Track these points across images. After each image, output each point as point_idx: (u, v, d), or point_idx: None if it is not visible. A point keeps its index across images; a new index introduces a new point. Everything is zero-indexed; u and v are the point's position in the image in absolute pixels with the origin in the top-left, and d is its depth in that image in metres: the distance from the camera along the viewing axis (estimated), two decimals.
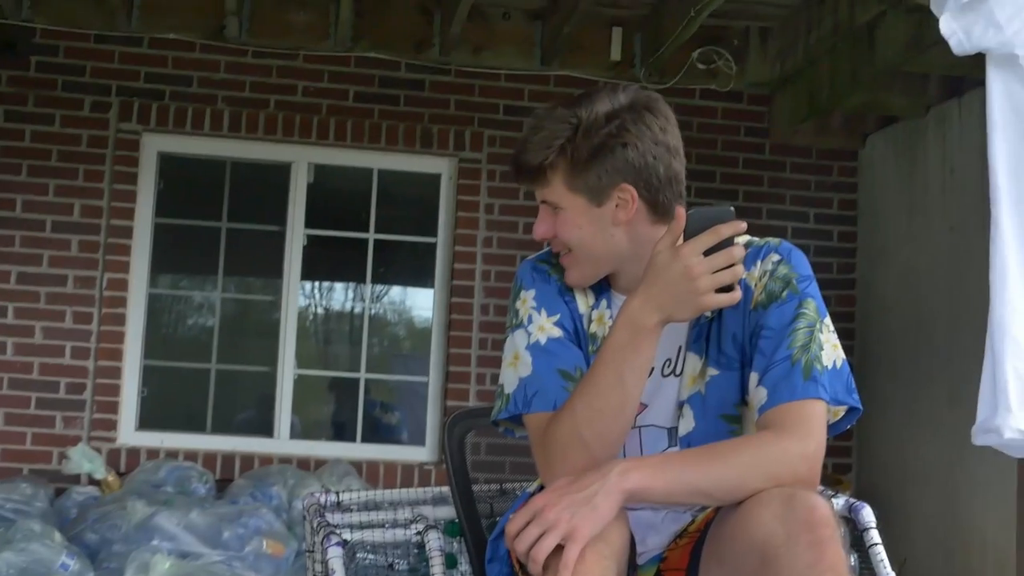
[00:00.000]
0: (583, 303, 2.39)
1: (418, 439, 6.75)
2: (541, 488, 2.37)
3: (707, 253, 2.13)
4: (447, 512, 2.86)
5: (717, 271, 2.14)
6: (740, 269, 2.17)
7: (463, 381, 6.60)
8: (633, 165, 2.27)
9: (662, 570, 2.32)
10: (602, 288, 2.39)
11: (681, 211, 2.16)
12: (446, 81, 6.76)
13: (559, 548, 2.01)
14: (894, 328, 6.61)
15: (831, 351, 2.24)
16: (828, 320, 2.28)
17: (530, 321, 2.35)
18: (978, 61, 5.65)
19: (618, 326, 2.19)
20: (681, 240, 2.16)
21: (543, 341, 2.32)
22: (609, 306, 2.38)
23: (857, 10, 5.70)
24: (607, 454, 2.16)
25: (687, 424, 2.30)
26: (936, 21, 2.71)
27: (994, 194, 2.46)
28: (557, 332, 2.34)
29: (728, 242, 2.14)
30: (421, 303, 7.15)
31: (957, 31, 2.48)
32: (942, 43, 5.16)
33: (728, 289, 2.16)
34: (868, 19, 5.62)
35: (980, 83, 5.93)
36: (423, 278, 6.96)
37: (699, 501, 2.16)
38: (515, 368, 2.34)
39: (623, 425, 2.21)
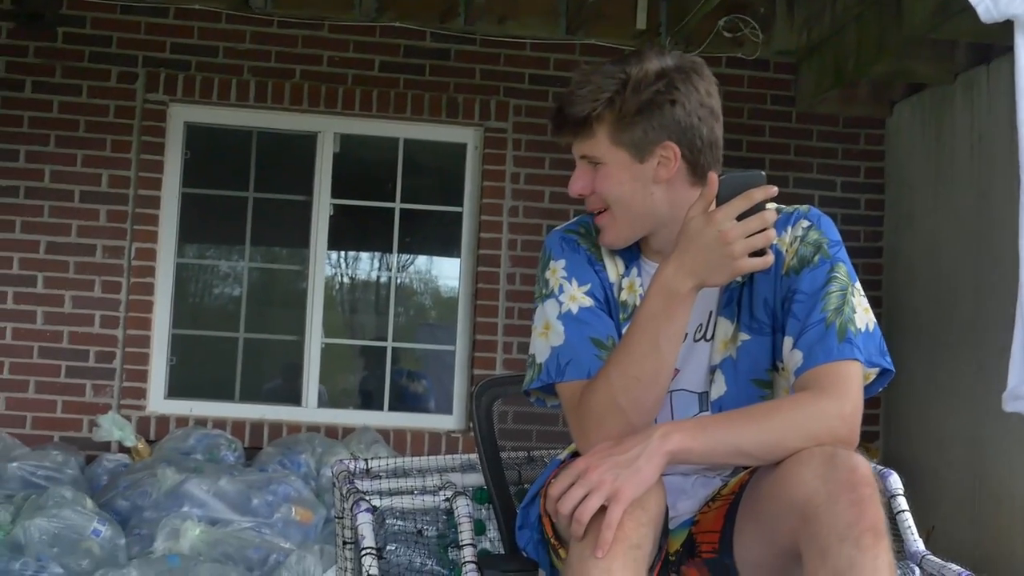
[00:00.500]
0: (613, 272, 2.39)
1: (445, 407, 6.78)
2: (574, 455, 2.40)
3: (740, 218, 2.14)
4: (475, 479, 2.88)
5: (750, 235, 2.15)
6: (773, 233, 2.18)
7: (490, 350, 6.62)
8: (679, 124, 2.28)
9: (694, 533, 2.34)
10: (632, 256, 2.40)
11: (713, 176, 2.16)
12: (471, 51, 6.75)
13: (600, 511, 2.03)
14: (921, 296, 6.60)
15: (863, 314, 2.26)
16: (859, 284, 2.30)
17: (561, 291, 2.36)
18: (1006, 28, 5.62)
19: (652, 293, 2.20)
20: (713, 205, 2.16)
21: (575, 310, 2.34)
22: (640, 274, 2.39)
23: None
24: (643, 421, 2.18)
25: (719, 389, 2.32)
26: None
27: (1023, 160, 2.44)
28: (588, 301, 2.35)
29: (760, 207, 2.15)
30: (447, 272, 7.15)
31: None
32: (969, 10, 5.14)
33: (761, 253, 2.18)
34: None
35: (1009, 49, 5.89)
36: (449, 247, 6.97)
37: (739, 461, 2.18)
38: (546, 338, 2.35)
39: (659, 392, 2.22)
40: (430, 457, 3.06)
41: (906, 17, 5.57)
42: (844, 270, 2.28)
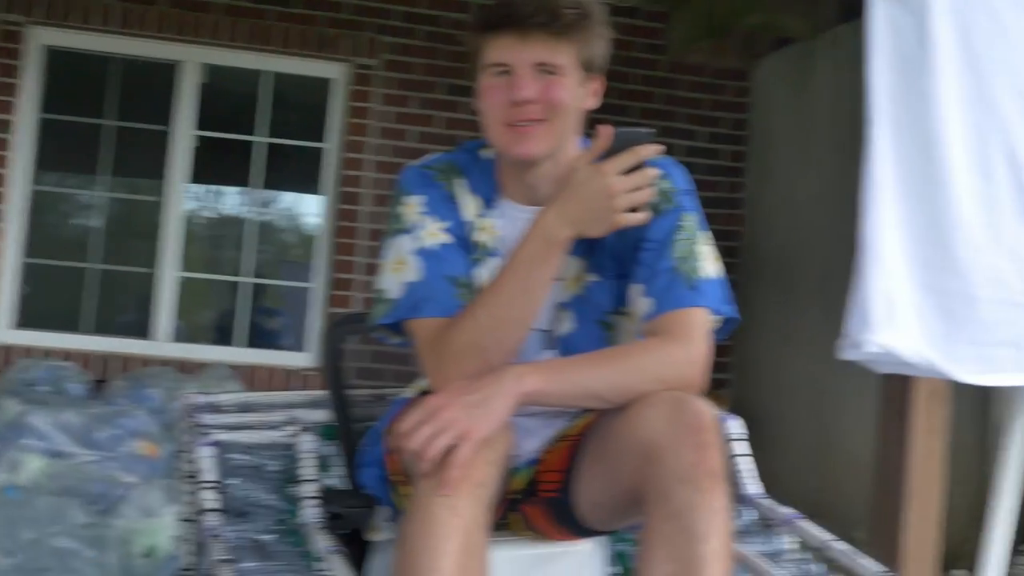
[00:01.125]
0: (470, 211, 2.38)
1: (301, 345, 6.73)
2: (422, 394, 2.39)
3: (625, 174, 2.16)
4: (322, 416, 2.86)
5: (633, 191, 2.17)
6: (653, 191, 2.21)
7: (348, 288, 6.58)
8: (606, 61, 2.33)
9: (539, 471, 2.36)
10: (490, 196, 2.39)
11: (607, 128, 2.18)
12: None
13: (449, 450, 2.03)
14: (777, 248, 6.71)
15: (711, 262, 2.31)
16: (707, 233, 2.34)
17: (419, 226, 2.33)
18: None
19: (530, 237, 2.20)
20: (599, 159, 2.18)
21: (433, 246, 2.32)
22: (499, 215, 2.38)
23: None
24: (502, 362, 2.18)
25: (565, 326, 2.34)
26: None
27: (871, 115, 2.49)
28: (447, 238, 2.33)
29: (644, 164, 2.18)
30: (311, 209, 7.08)
31: None
32: None
33: (636, 210, 2.20)
34: None
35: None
36: (313, 184, 6.90)
37: (591, 404, 2.20)
38: (399, 273, 2.32)
39: (523, 335, 2.23)
40: (278, 392, 3.04)
41: None
42: (693, 218, 2.32)
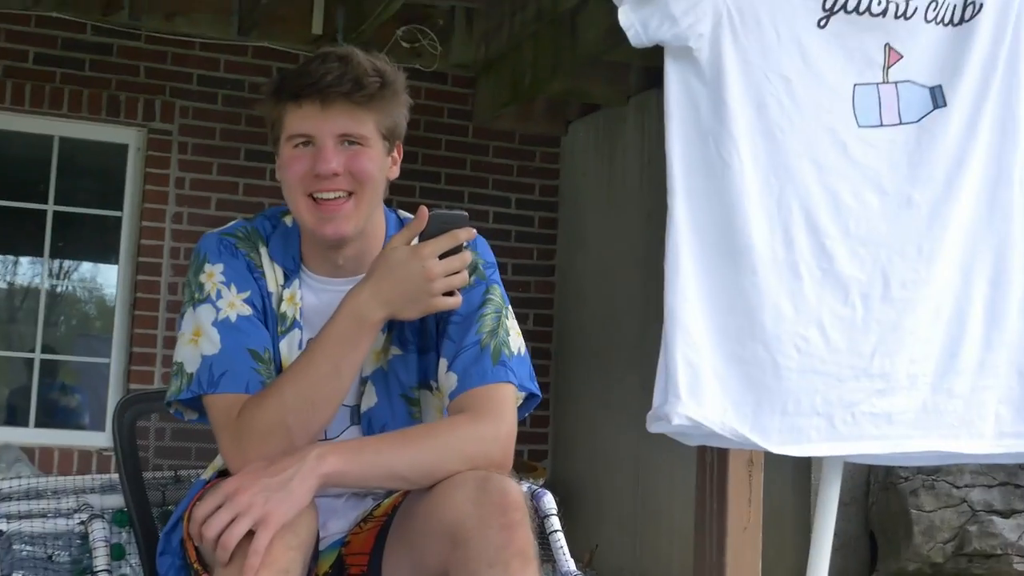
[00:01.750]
0: (272, 281, 2.34)
1: (99, 424, 6.56)
2: (220, 475, 2.34)
3: (442, 257, 2.17)
4: (116, 501, 2.78)
5: (450, 275, 2.18)
6: (467, 276, 2.21)
7: (148, 363, 6.45)
8: (404, 129, 2.33)
9: (344, 555, 2.33)
10: (292, 266, 2.36)
11: (424, 209, 2.18)
12: (136, 47, 6.58)
13: (249, 534, 1.99)
14: (591, 316, 6.80)
15: (516, 337, 2.32)
16: (510, 308, 2.36)
17: (219, 296, 2.28)
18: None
19: (340, 316, 2.19)
20: (416, 240, 2.19)
21: (232, 318, 2.27)
22: (301, 286, 2.35)
23: None
24: (306, 443, 2.15)
25: (369, 400, 2.32)
26: None
27: (671, 184, 2.55)
28: (247, 309, 2.29)
29: (459, 247, 2.19)
30: (109, 280, 6.92)
31: (635, 23, 2.55)
32: None
33: (451, 294, 2.21)
34: (571, 6, 5.75)
35: None
36: (108, 254, 6.75)
37: (395, 485, 2.19)
38: (196, 345, 2.27)
39: (330, 416, 2.21)
40: (66, 477, 2.95)
41: (580, 37, 5.74)
42: (499, 292, 2.33)
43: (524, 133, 7.20)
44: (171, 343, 6.42)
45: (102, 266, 7.08)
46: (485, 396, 2.21)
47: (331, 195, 2.24)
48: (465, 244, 2.21)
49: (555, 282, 7.14)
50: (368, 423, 2.32)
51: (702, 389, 2.47)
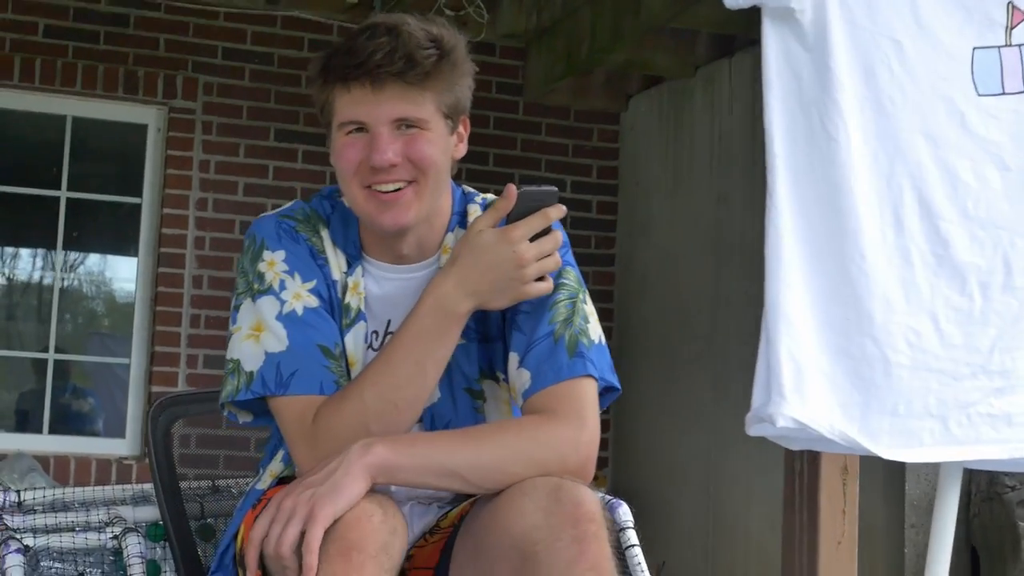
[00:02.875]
0: (336, 268, 2.33)
1: (117, 430, 6.60)
2: (280, 482, 2.34)
3: (532, 239, 2.16)
4: (150, 513, 2.79)
5: (542, 259, 2.17)
6: (559, 259, 2.21)
7: (171, 363, 6.48)
8: (471, 94, 2.30)
9: (407, 569, 2.29)
10: (354, 252, 2.34)
11: (512, 188, 2.16)
12: (155, 17, 6.60)
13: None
14: (655, 308, 6.78)
15: (595, 324, 2.29)
16: (586, 290, 2.33)
17: (283, 287, 2.26)
18: (751, 17, 5.84)
19: (423, 310, 2.18)
20: (502, 222, 2.17)
21: (299, 311, 2.25)
22: (364, 274, 2.33)
23: None
24: None
25: (432, 396, 2.29)
26: None
27: (770, 161, 2.52)
28: (314, 301, 2.27)
29: (549, 228, 2.18)
30: (124, 274, 6.96)
31: None
32: None
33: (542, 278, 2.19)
34: None
35: (752, 42, 6.13)
36: (126, 245, 6.80)
37: (452, 485, 2.15)
38: (257, 341, 2.25)
39: (414, 418, 2.21)
40: (96, 488, 2.95)
41: (644, 2, 5.71)
42: (574, 275, 2.31)
43: (580, 109, 7.19)
44: (197, 343, 6.49)
45: (120, 258, 7.13)
46: (562, 394, 2.19)
47: (390, 187, 2.22)
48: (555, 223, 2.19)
49: (615, 272, 7.13)
50: (431, 420, 2.31)
51: (806, 387, 2.45)
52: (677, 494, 6.39)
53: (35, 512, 2.82)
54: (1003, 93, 2.60)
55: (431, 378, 2.20)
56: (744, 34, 6.17)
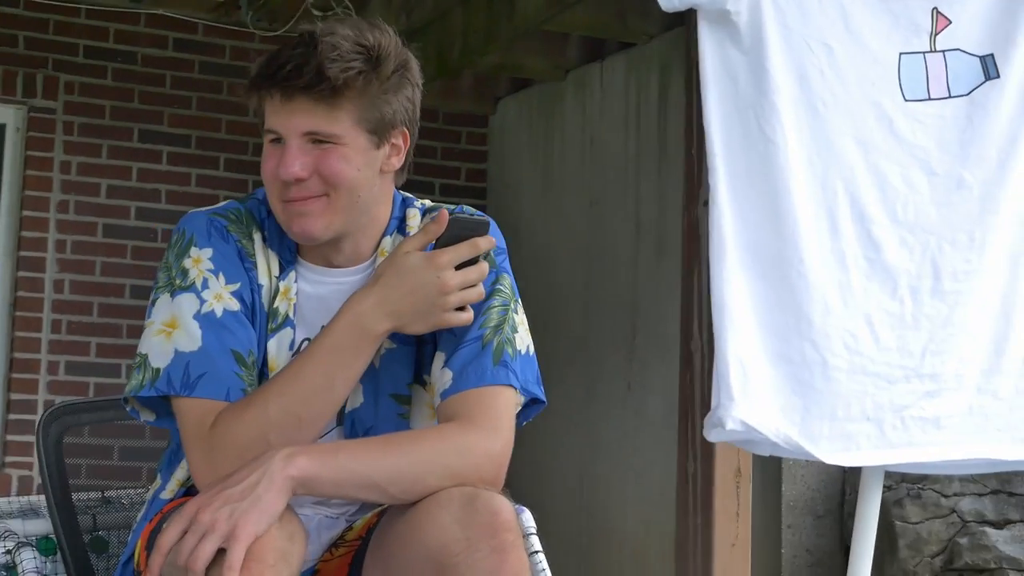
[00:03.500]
0: (265, 272, 2.27)
1: None
2: (188, 491, 2.28)
3: (459, 267, 2.15)
4: (40, 526, 2.72)
5: (465, 288, 2.16)
6: (482, 290, 2.19)
7: (31, 370, 6.34)
8: (413, 106, 2.25)
9: None
10: (288, 256, 2.29)
11: (444, 213, 2.16)
12: (13, 14, 6.42)
13: (220, 555, 1.93)
14: (527, 310, 6.74)
15: (524, 334, 2.30)
16: (519, 299, 2.33)
17: (205, 286, 2.21)
18: (625, 21, 5.88)
19: (339, 324, 2.15)
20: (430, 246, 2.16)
21: (219, 313, 2.20)
22: (297, 279, 2.28)
23: None
24: None
25: (355, 400, 2.27)
26: None
27: (711, 162, 2.52)
28: (235, 304, 2.21)
29: (477, 258, 2.17)
30: None
31: None
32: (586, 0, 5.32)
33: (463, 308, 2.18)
34: None
35: (625, 45, 6.17)
36: None
37: (370, 496, 2.12)
38: (168, 337, 2.19)
39: (316, 434, 2.17)
40: None
41: (518, 4, 5.68)
42: (508, 282, 2.30)
43: (448, 112, 7.15)
44: (59, 348, 6.35)
45: None
46: (480, 400, 2.17)
47: (303, 197, 2.18)
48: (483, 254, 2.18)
49: None
50: (351, 425, 2.27)
51: (753, 390, 2.47)
52: (551, 499, 6.39)
53: None
54: (928, 98, 2.65)
55: (339, 394, 2.17)
56: (614, 38, 6.21)
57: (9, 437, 6.25)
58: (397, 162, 2.26)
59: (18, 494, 5.82)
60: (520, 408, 2.30)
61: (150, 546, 2.15)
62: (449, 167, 7.17)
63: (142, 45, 6.61)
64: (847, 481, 5.15)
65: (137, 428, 3.11)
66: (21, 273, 6.39)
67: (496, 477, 2.13)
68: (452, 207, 2.24)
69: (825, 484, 5.16)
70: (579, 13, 5.59)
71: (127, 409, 2.31)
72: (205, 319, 2.19)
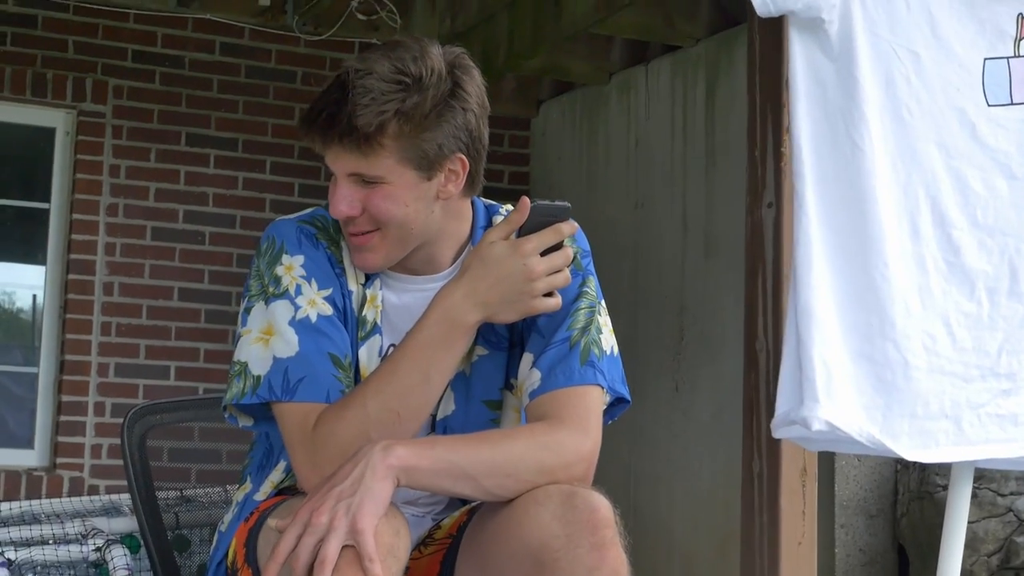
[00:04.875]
0: (353, 279, 2.32)
1: (24, 441, 6.48)
2: (281, 493, 2.32)
3: (544, 253, 2.17)
4: (124, 524, 2.79)
5: (552, 274, 2.18)
6: (569, 274, 2.21)
7: (82, 372, 6.40)
8: (468, 131, 2.24)
9: None
10: None
11: (525, 201, 2.17)
12: (63, 18, 6.50)
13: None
14: None
15: (609, 335, 2.32)
16: (603, 302, 2.36)
17: (298, 292, 2.25)
18: (673, 24, 5.92)
19: (431, 320, 2.17)
20: (514, 234, 2.17)
21: (313, 318, 2.24)
22: (383, 287, 2.33)
23: None
24: None
25: (447, 407, 2.31)
26: None
27: (798, 167, 2.57)
28: (328, 309, 2.25)
29: (561, 243, 2.19)
30: (30, 281, 6.84)
31: None
32: (635, 2, 5.37)
33: (551, 294, 2.20)
34: None
35: (669, 48, 6.22)
36: (32, 251, 6.68)
37: (465, 490, 2.12)
38: (266, 345, 2.23)
39: (416, 429, 2.20)
40: (64, 499, 2.95)
41: (566, 7, 5.73)
42: (594, 284, 2.34)
43: (491, 115, 7.15)
44: (108, 351, 6.41)
45: (27, 266, 7.01)
46: (569, 400, 2.19)
47: (358, 232, 2.25)
48: (567, 239, 2.21)
49: None
50: (444, 432, 2.30)
51: (836, 390, 2.51)
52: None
53: (7, 525, 2.80)
54: (1011, 103, 2.68)
55: (436, 388, 2.20)
56: (659, 41, 6.25)
57: (60, 439, 6.32)
58: (455, 188, 2.26)
59: (69, 495, 5.87)
60: (606, 407, 2.32)
61: (248, 545, 2.21)
62: (492, 170, 7.03)
63: (189, 50, 6.68)
64: (899, 481, 5.18)
65: (214, 430, 3.18)
66: (71, 276, 6.45)
67: (586, 474, 2.15)
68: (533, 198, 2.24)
69: (878, 484, 5.19)
70: (627, 16, 5.63)
71: (225, 416, 2.35)
72: (300, 325, 2.23)
